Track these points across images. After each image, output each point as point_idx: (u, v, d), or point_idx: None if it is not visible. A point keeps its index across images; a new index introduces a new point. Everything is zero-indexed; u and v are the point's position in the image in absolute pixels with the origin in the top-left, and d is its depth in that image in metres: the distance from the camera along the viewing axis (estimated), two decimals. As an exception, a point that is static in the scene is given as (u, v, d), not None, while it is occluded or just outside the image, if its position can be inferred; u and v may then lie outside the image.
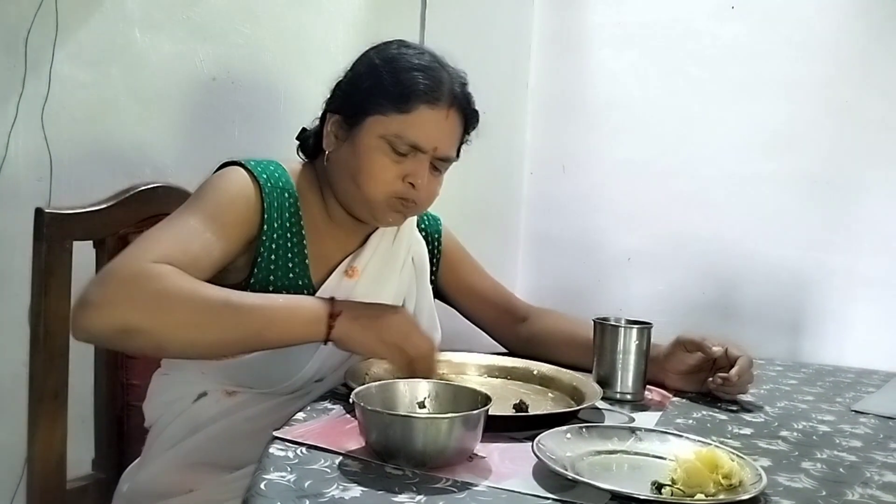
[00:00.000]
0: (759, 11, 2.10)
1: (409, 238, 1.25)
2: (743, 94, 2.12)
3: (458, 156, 1.18)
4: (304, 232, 1.11)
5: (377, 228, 1.20)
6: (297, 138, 1.24)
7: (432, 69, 1.09)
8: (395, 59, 1.10)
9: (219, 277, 1.01)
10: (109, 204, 1.18)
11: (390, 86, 1.08)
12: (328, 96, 1.17)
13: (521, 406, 0.96)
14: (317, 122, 1.20)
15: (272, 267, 1.07)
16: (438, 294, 1.33)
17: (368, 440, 0.77)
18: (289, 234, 1.09)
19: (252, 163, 1.10)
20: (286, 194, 1.11)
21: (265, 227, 1.07)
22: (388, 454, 0.75)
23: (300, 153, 1.23)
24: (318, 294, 1.09)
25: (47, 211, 1.08)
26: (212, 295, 0.92)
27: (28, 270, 1.08)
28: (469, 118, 1.15)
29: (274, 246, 1.07)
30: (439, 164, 1.12)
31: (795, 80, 2.05)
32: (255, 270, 1.06)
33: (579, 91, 2.35)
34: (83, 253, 1.14)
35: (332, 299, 0.97)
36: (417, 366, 0.97)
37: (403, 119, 1.07)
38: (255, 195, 1.07)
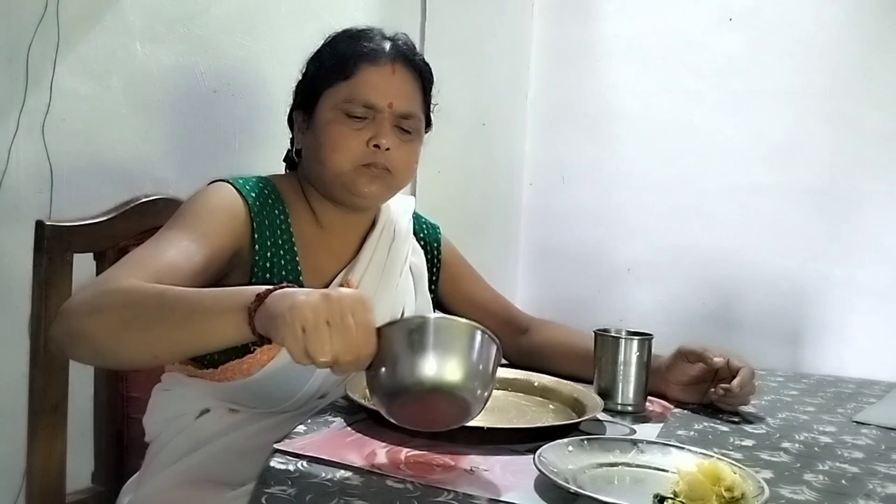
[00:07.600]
0: (757, 24, 2.11)
1: (405, 246, 1.24)
2: (742, 106, 2.12)
3: (429, 123, 1.18)
4: (295, 249, 1.11)
5: (370, 234, 1.20)
6: (284, 160, 1.25)
7: (370, 35, 1.12)
8: (333, 38, 1.15)
9: None
10: (110, 216, 1.18)
11: (331, 59, 1.11)
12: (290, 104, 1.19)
13: None
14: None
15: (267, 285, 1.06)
16: (438, 304, 1.33)
17: (379, 379, 0.73)
18: (281, 252, 1.09)
19: (240, 181, 1.09)
20: (276, 210, 1.10)
21: (257, 245, 1.06)
22: (398, 379, 0.71)
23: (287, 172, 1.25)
24: None
25: (48, 223, 1.09)
26: (147, 291, 0.83)
27: (28, 283, 1.08)
28: (422, 73, 1.15)
29: (269, 264, 1.07)
30: (404, 125, 1.11)
31: (794, 91, 2.06)
32: None
33: (579, 102, 2.36)
34: (83, 265, 1.14)
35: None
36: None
37: (350, 83, 1.09)
38: (242, 212, 1.06)
